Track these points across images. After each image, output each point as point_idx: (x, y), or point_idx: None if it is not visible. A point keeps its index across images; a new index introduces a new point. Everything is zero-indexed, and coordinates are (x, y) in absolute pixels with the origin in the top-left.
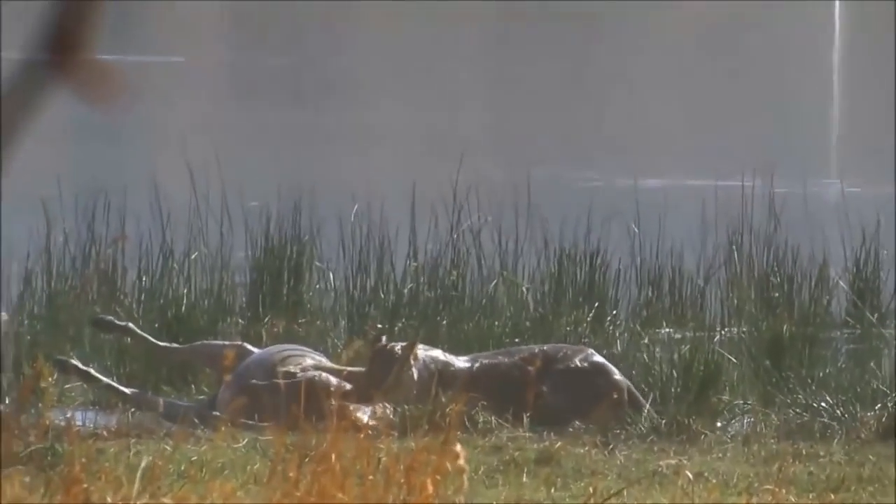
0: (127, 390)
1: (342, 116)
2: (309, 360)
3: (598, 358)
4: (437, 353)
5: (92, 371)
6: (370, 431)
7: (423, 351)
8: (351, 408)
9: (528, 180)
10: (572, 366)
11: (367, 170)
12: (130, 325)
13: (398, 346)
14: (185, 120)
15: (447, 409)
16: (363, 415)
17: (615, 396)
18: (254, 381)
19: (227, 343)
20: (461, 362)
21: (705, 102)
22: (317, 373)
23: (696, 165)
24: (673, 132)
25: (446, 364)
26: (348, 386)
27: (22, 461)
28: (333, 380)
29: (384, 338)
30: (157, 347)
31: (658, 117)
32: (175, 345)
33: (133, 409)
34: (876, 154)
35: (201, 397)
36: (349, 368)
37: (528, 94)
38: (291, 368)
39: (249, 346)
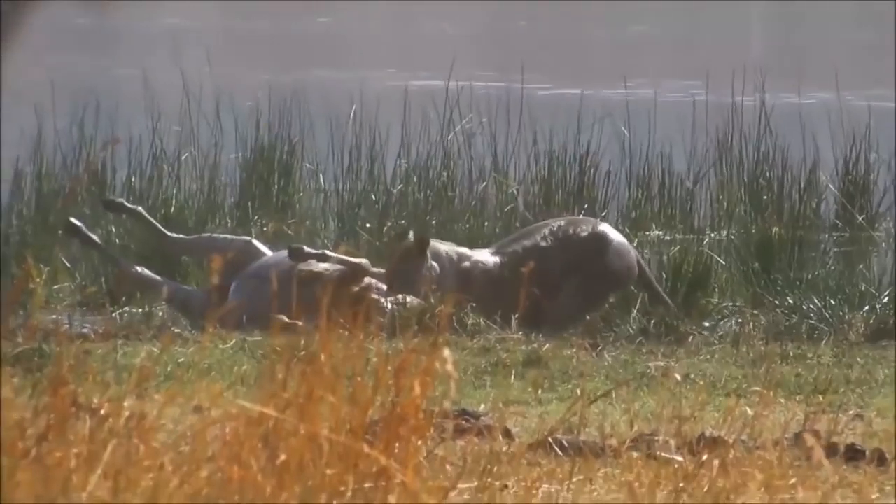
0: (138, 269)
1: (338, 21)
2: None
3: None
4: (458, 249)
5: (96, 238)
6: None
7: (442, 245)
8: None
9: (522, 85)
10: (582, 234)
11: (360, 72)
12: (140, 209)
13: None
14: (177, 25)
15: (436, 311)
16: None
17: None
18: (273, 281)
19: (234, 238)
20: (483, 255)
21: (695, 18)
22: (349, 270)
23: (691, 77)
24: (662, 46)
25: (464, 256)
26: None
27: (10, 362)
28: (368, 277)
29: (410, 234)
30: (163, 236)
31: (646, 30)
32: (182, 235)
33: (137, 288)
34: (863, 60)
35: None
36: (368, 267)
37: (518, 4)
38: (313, 268)
39: (258, 244)
